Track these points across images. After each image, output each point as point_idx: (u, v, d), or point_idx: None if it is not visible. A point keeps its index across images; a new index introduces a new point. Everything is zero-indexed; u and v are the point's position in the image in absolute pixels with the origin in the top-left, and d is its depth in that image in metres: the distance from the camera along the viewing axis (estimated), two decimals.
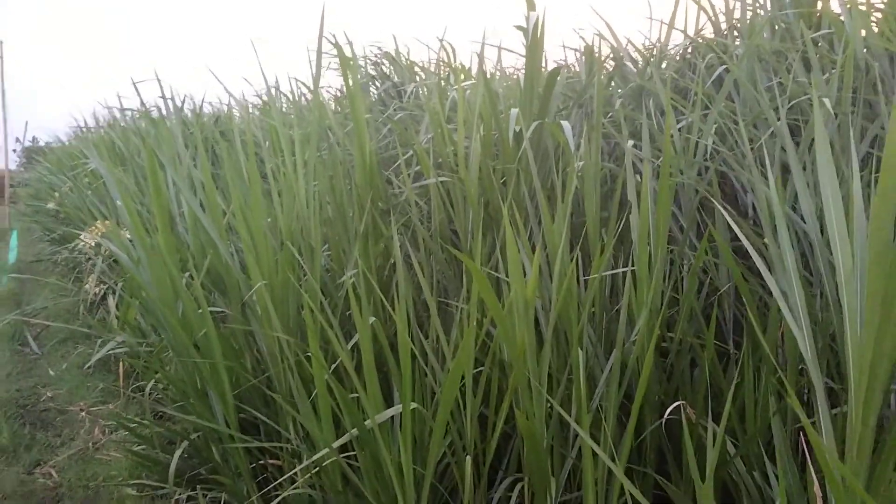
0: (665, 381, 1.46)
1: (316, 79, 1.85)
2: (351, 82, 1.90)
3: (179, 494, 2.03)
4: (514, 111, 1.78)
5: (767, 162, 1.34)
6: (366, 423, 1.35)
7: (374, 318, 1.48)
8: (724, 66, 1.93)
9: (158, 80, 2.95)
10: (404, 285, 1.45)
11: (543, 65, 2.02)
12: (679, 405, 1.25)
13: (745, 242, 1.18)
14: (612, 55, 2.38)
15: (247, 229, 1.65)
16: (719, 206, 1.49)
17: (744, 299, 1.33)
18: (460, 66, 2.83)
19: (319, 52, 1.78)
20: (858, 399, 0.94)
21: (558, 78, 1.79)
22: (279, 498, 1.60)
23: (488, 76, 2.30)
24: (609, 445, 1.28)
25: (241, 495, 1.89)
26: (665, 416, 1.33)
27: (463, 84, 2.16)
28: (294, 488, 1.59)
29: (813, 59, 1.75)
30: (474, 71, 2.38)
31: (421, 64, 3.16)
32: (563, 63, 2.71)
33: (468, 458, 1.38)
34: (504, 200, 1.67)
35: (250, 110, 3.48)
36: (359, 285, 1.57)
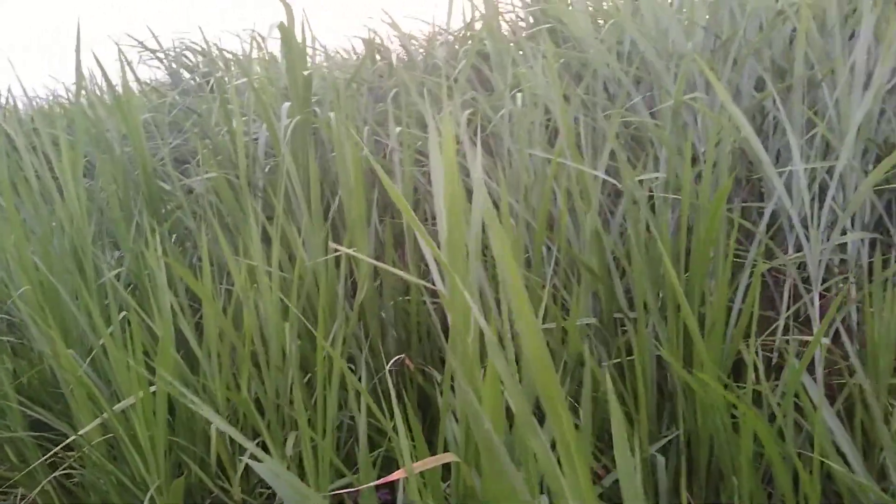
0: None
1: (78, 84, 1.83)
2: (129, 79, 1.90)
3: None
4: (286, 105, 1.86)
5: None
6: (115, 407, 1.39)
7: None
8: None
9: None
10: (165, 294, 1.49)
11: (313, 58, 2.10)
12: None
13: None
14: (401, 44, 2.49)
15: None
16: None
17: None
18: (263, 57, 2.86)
19: (78, 51, 1.77)
20: None
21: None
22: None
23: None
24: None
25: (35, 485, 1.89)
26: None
27: (241, 80, 2.20)
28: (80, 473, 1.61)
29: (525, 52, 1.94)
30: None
31: (231, 55, 3.15)
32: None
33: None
34: (275, 194, 1.74)
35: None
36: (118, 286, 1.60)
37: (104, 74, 1.89)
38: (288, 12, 1.77)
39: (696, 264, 1.06)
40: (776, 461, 0.82)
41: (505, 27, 2.35)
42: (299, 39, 1.81)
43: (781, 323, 1.32)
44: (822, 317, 1.31)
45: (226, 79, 2.75)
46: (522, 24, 2.32)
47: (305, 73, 1.79)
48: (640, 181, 1.41)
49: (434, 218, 1.85)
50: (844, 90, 1.26)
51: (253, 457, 1.16)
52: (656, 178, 1.23)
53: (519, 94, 1.60)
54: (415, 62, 2.41)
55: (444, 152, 0.80)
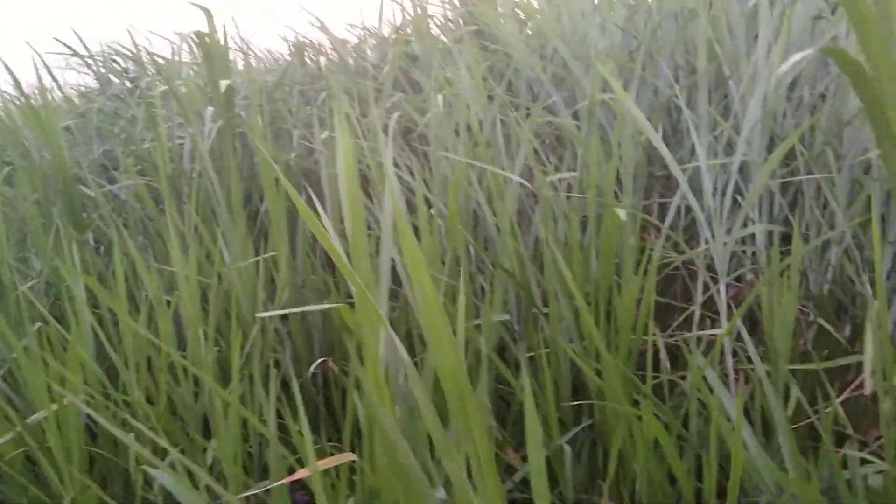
0: None
1: None
2: (48, 85, 1.85)
3: None
4: (209, 109, 1.84)
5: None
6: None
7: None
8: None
9: None
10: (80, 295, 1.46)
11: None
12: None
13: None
14: (332, 47, 2.49)
15: None
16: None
17: None
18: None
19: None
20: None
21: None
22: None
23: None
24: None
25: None
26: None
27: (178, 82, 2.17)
28: None
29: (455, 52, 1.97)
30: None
31: (162, 59, 3.10)
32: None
33: None
34: (190, 200, 1.72)
35: None
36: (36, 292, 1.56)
37: (15, 81, 1.84)
38: (208, 17, 1.75)
39: (604, 261, 1.08)
40: (667, 447, 0.85)
41: (435, 29, 2.37)
42: (222, 43, 1.80)
43: (697, 313, 1.37)
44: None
45: (157, 83, 2.70)
46: (452, 26, 2.34)
47: (226, 77, 1.78)
48: (560, 180, 1.45)
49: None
50: (748, 87, 1.31)
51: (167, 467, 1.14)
52: (572, 176, 1.26)
53: (443, 96, 1.61)
54: (346, 65, 2.40)
55: (343, 161, 0.81)
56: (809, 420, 1.16)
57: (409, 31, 2.23)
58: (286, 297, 1.34)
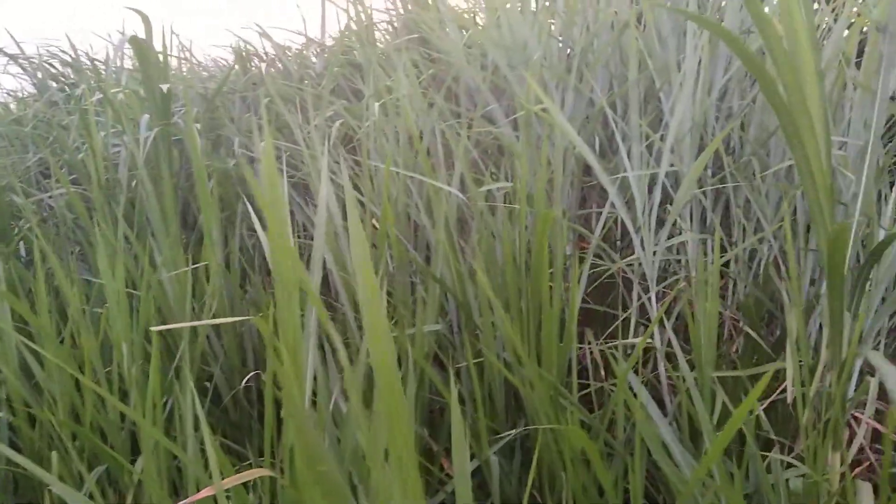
0: None
1: None
2: None
3: None
4: (145, 117, 1.80)
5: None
6: None
7: None
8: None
9: None
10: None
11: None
12: None
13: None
14: (275, 54, 2.46)
15: None
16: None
17: None
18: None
19: None
20: None
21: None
22: None
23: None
24: None
25: None
26: None
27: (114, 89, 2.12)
28: None
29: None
30: None
31: (102, 64, 3.02)
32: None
33: None
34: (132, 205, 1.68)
35: None
36: None
37: None
38: (145, 22, 1.71)
39: (535, 270, 1.09)
40: (593, 455, 0.86)
41: (380, 36, 2.36)
42: (160, 48, 1.76)
43: (633, 322, 1.39)
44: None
45: (94, 89, 2.63)
46: (397, 34, 2.34)
47: (165, 83, 1.74)
48: (499, 189, 1.45)
49: (304, 228, 1.84)
50: (678, 97, 1.33)
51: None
52: (509, 186, 1.27)
53: (383, 104, 1.61)
54: (289, 72, 2.38)
55: (264, 169, 0.79)
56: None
57: (354, 38, 2.22)
58: (216, 308, 1.31)
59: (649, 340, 1.20)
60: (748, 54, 0.79)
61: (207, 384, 1.38)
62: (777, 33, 0.86)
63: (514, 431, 1.04)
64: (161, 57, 1.71)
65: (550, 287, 1.14)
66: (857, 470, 1.34)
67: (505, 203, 1.43)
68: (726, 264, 1.50)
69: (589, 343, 1.49)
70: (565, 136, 1.14)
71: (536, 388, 0.92)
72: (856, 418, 1.36)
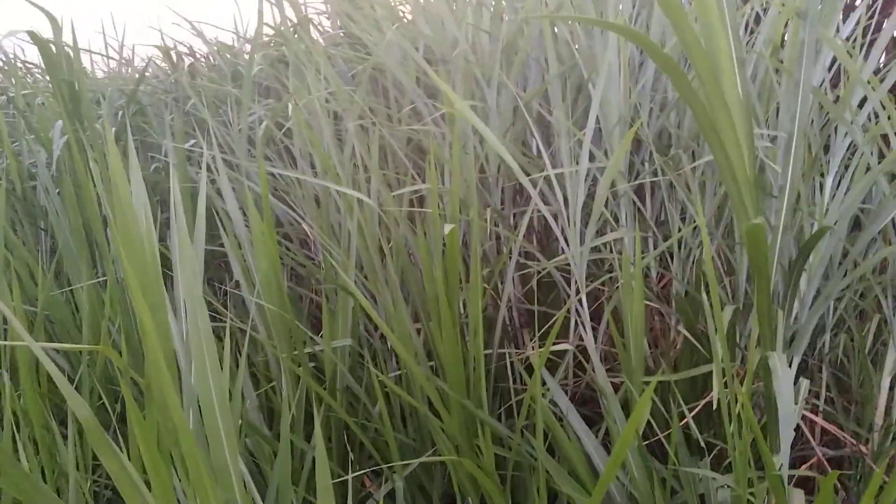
0: None
1: None
2: None
3: None
4: (58, 122, 1.70)
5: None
6: None
7: None
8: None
9: None
10: None
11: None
12: None
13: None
14: (207, 53, 2.37)
15: None
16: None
17: None
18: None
19: None
20: None
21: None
22: None
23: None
24: None
25: None
26: None
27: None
28: None
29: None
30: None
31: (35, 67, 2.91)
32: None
33: None
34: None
35: None
36: None
37: None
38: (52, 23, 1.61)
39: (450, 275, 1.02)
40: (488, 487, 0.80)
41: (315, 33, 2.28)
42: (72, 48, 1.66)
43: (573, 323, 1.33)
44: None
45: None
46: (330, 30, 2.26)
47: (78, 86, 1.64)
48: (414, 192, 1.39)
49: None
50: (606, 89, 1.28)
51: None
52: (420, 188, 1.20)
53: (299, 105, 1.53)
54: (224, 70, 2.29)
55: (112, 172, 0.72)
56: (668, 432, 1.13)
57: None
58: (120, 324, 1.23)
59: (565, 346, 1.14)
60: (643, 41, 0.73)
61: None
62: (684, 17, 0.81)
63: (418, 460, 0.97)
64: (70, 55, 1.62)
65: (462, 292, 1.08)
66: (804, 466, 1.30)
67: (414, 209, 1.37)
68: (666, 262, 1.46)
69: (523, 345, 1.44)
70: (479, 132, 1.08)
71: (450, 405, 0.86)
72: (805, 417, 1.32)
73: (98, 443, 0.56)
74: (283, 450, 0.81)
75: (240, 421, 0.94)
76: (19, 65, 3.02)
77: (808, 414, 1.23)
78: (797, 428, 1.31)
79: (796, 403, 0.94)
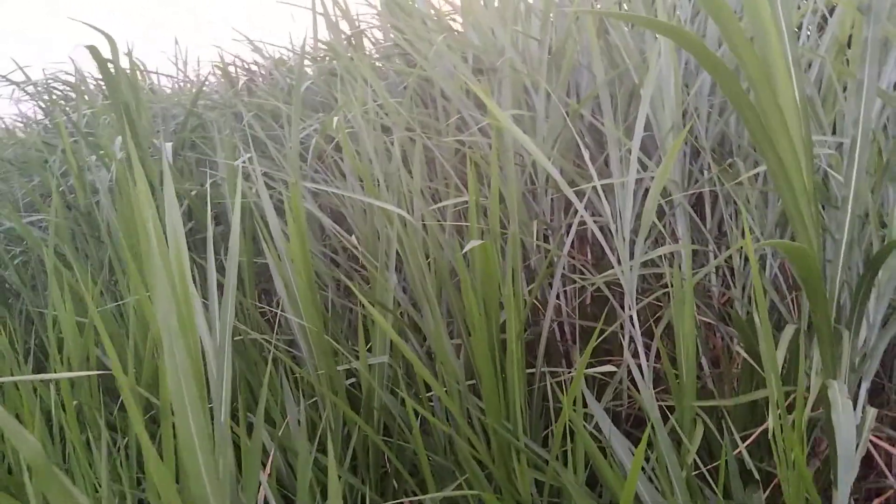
0: None
1: None
2: None
3: None
4: (118, 139, 1.75)
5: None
6: None
7: None
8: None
9: None
10: None
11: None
12: None
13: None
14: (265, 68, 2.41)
15: None
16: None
17: None
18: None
19: None
20: None
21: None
22: None
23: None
24: None
25: None
26: None
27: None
28: None
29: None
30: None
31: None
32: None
33: None
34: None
35: None
36: None
37: None
38: (111, 43, 1.67)
39: (485, 292, 0.99)
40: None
41: (368, 45, 2.29)
42: (126, 68, 1.71)
43: (627, 338, 1.27)
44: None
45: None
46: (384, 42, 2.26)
47: (138, 104, 1.69)
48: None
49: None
50: (657, 92, 1.22)
51: None
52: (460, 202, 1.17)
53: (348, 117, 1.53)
54: (281, 84, 2.33)
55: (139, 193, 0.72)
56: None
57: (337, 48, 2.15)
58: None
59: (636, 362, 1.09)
60: (684, 37, 0.69)
61: None
62: (730, 13, 0.75)
63: (442, 493, 0.92)
64: (129, 74, 1.66)
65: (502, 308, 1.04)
66: (877, 501, 1.20)
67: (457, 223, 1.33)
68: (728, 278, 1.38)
69: (574, 362, 1.39)
70: (522, 143, 1.04)
71: (468, 433, 0.82)
72: (874, 443, 1.22)
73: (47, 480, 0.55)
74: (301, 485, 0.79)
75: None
76: (90, 80, 3.15)
77: (881, 443, 1.13)
78: (869, 458, 1.21)
79: (862, 433, 0.87)
